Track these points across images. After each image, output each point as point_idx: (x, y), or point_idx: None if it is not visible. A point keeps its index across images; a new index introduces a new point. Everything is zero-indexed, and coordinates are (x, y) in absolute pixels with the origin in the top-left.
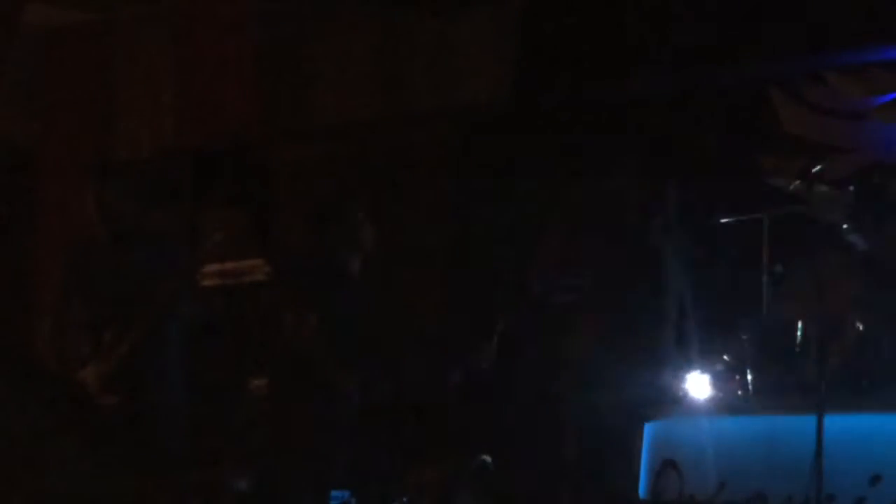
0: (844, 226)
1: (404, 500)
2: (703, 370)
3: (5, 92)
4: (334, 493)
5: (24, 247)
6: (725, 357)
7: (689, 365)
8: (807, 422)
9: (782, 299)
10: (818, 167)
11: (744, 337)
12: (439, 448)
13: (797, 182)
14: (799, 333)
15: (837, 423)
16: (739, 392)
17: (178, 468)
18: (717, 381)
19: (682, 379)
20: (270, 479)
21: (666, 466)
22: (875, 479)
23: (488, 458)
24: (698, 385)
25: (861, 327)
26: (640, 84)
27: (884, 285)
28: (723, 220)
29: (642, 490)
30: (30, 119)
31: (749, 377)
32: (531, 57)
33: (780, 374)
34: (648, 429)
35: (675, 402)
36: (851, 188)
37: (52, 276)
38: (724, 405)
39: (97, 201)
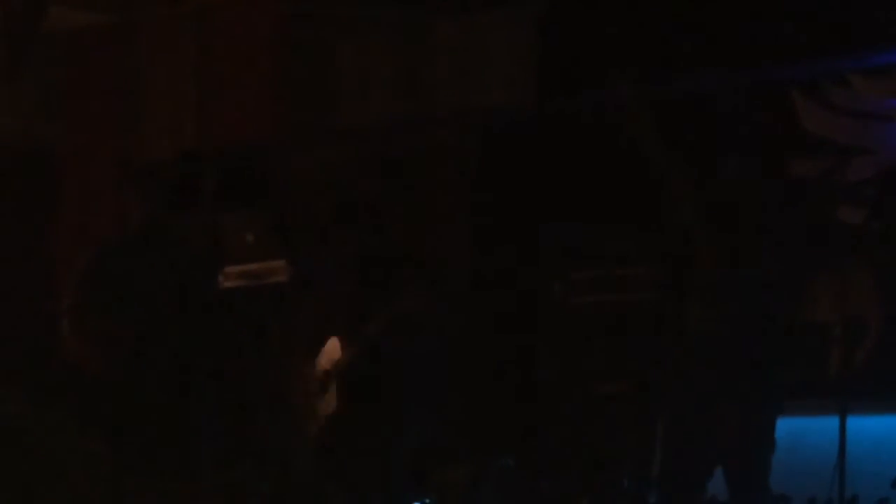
0: (868, 226)
1: (426, 501)
2: None
3: (28, 94)
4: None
5: (46, 249)
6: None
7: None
8: (829, 423)
9: (805, 301)
10: (841, 168)
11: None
12: (463, 448)
13: (820, 183)
14: (822, 335)
15: (860, 425)
16: None
17: (202, 468)
18: None
19: None
20: (295, 480)
21: None
22: None
23: (511, 460)
24: None
25: (884, 329)
26: (663, 86)
27: None
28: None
29: None
30: (52, 121)
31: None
32: (553, 58)
33: (804, 376)
34: None
35: None
36: (874, 189)
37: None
38: None
39: (121, 202)
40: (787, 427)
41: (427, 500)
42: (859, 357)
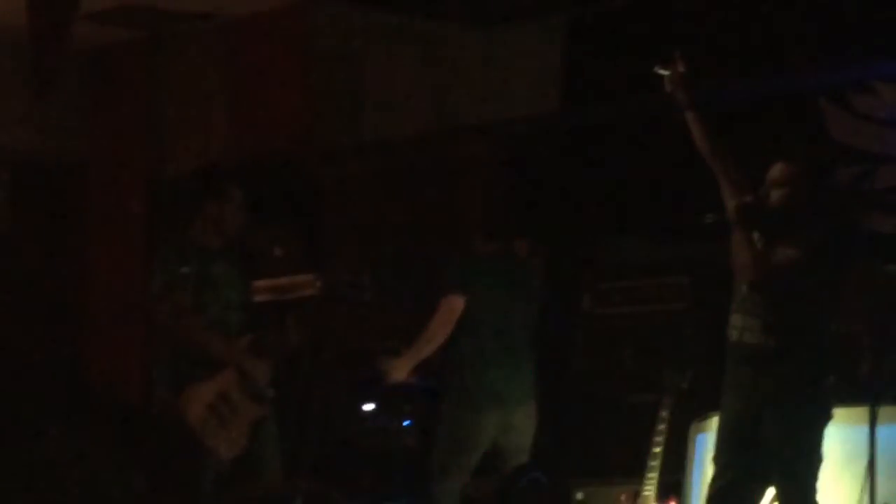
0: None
1: None
2: None
3: (57, 109)
4: None
5: (75, 263)
6: None
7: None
8: (859, 431)
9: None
10: (867, 176)
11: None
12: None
13: (847, 191)
14: (851, 344)
15: (891, 433)
16: None
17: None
18: None
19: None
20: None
21: None
22: None
23: (541, 474)
24: None
25: None
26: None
27: None
28: None
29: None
30: (81, 137)
31: None
32: (577, 70)
33: (833, 384)
34: (701, 440)
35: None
36: None
37: (104, 290)
38: None
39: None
40: None
41: None
42: (888, 366)
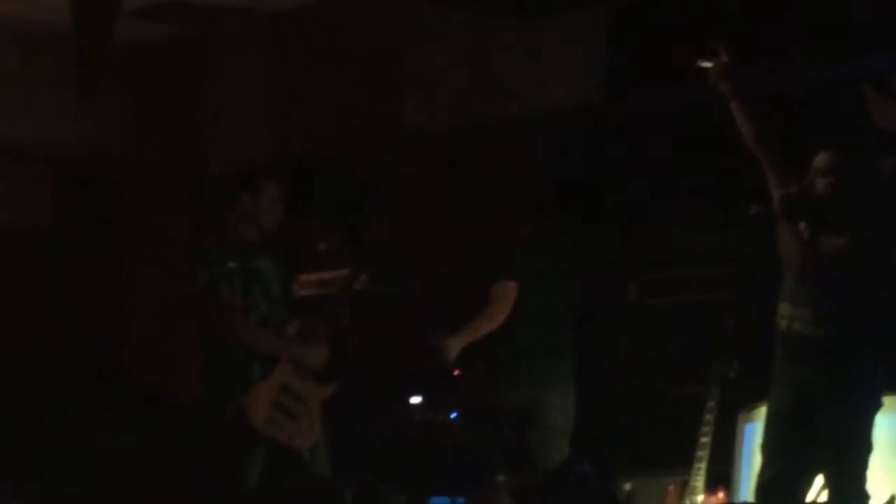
0: None
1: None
2: None
3: (100, 107)
4: (436, 499)
5: (119, 260)
6: None
7: None
8: None
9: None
10: None
11: None
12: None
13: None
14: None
15: None
16: None
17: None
18: None
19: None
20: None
21: None
22: None
23: (590, 466)
24: None
25: None
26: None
27: None
28: None
29: (743, 495)
30: (124, 133)
31: None
32: (621, 61)
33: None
34: (749, 430)
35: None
36: None
37: (148, 287)
38: None
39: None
40: None
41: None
42: None
